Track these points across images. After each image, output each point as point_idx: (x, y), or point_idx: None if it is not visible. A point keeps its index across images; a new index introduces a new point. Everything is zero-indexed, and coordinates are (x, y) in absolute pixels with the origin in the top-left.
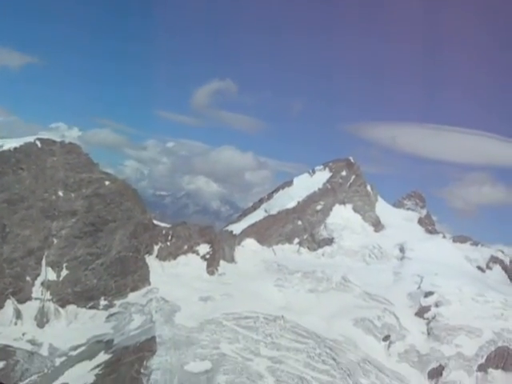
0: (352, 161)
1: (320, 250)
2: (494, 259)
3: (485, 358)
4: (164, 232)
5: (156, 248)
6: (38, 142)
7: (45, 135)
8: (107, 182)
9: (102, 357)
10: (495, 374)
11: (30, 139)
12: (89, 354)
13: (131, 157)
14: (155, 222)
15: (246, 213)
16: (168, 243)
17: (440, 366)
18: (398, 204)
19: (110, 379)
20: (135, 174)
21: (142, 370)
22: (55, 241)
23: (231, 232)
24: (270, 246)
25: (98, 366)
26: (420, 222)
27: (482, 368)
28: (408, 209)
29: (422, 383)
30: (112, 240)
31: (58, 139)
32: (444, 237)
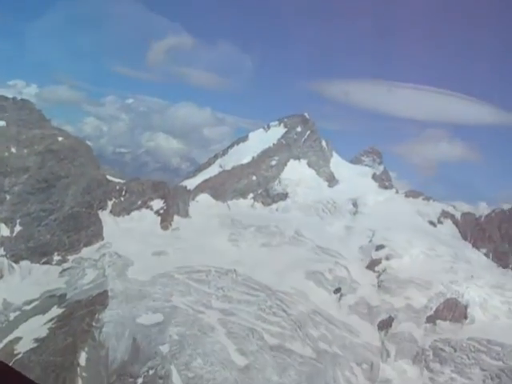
0: (307, 117)
1: (274, 205)
2: (446, 214)
3: (434, 309)
4: (118, 187)
5: (110, 203)
6: None
7: (1, 92)
8: (60, 138)
9: (55, 311)
10: (443, 325)
11: None
12: (42, 309)
13: (90, 114)
14: (109, 177)
15: (200, 168)
16: (122, 198)
17: (390, 317)
18: (355, 160)
19: (62, 332)
20: (95, 132)
21: (94, 324)
22: (8, 197)
23: (185, 187)
24: (224, 201)
25: (50, 320)
26: (376, 177)
27: (431, 320)
28: (365, 165)
29: (372, 335)
30: (65, 196)
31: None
32: (397, 192)
